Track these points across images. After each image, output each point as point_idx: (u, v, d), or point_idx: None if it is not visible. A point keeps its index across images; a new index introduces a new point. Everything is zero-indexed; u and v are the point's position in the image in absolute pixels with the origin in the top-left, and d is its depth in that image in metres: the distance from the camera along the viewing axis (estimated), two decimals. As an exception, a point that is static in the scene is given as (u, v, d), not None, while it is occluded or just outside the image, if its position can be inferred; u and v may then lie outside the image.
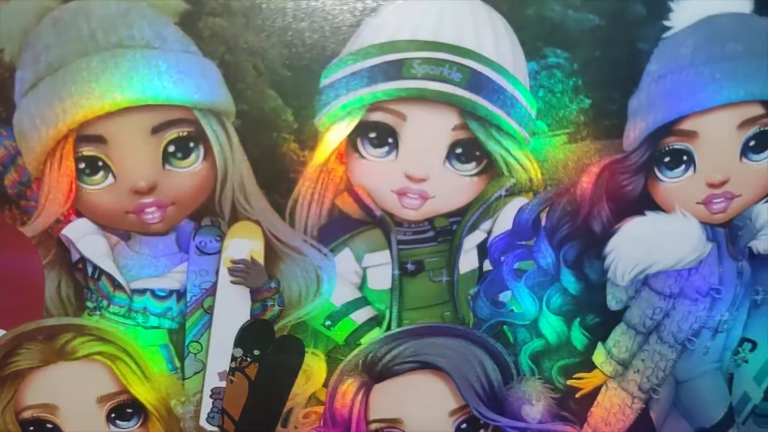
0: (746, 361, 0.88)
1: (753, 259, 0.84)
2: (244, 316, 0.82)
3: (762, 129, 0.80)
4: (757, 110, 0.79)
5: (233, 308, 0.82)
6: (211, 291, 0.82)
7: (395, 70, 0.76)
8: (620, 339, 0.85)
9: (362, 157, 0.80)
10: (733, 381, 0.89)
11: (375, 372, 0.83)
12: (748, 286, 0.85)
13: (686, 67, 0.77)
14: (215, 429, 0.84)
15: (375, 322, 0.84)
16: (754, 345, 0.88)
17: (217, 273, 0.82)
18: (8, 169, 0.79)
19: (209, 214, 0.81)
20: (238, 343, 0.82)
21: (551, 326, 0.84)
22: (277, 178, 0.80)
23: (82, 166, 0.78)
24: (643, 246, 0.82)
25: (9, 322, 0.80)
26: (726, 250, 0.84)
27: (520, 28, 0.76)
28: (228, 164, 0.79)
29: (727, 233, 0.84)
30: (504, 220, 0.83)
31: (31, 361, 0.81)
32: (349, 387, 0.83)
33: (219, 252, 0.81)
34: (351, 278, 0.84)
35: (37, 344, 0.81)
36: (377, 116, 0.79)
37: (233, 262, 0.81)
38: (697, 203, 0.81)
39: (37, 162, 0.78)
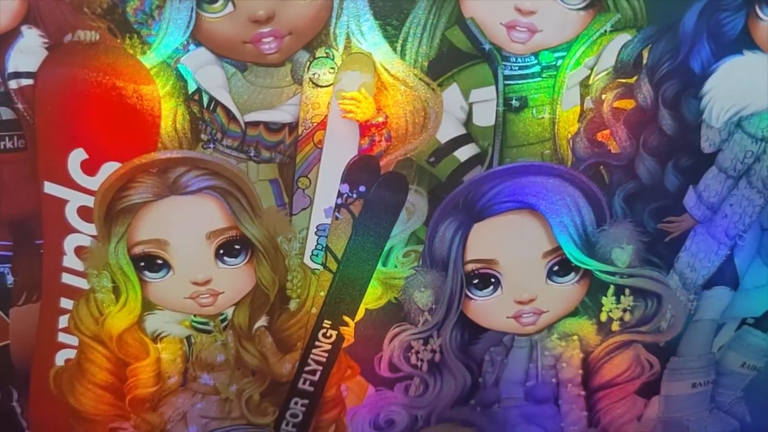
0: (828, 208, 0.91)
1: (841, 105, 0.87)
2: (352, 151, 0.83)
3: None
4: None
5: (342, 143, 0.83)
6: (321, 125, 0.83)
7: None
8: (711, 183, 0.86)
9: (474, -12, 0.82)
10: (816, 228, 0.92)
11: (475, 211, 0.83)
12: (835, 133, 0.87)
13: None
14: (318, 267, 0.85)
15: (477, 159, 0.86)
16: (838, 192, 0.91)
17: (328, 106, 0.83)
18: (132, -3, 0.80)
19: (323, 46, 0.82)
20: (345, 178, 0.82)
21: (646, 167, 0.86)
22: (390, 9, 0.81)
23: (202, -7, 0.79)
24: (739, 87, 0.83)
25: (124, 154, 0.81)
26: (818, 94, 0.86)
27: None
28: (344, -7, 0.80)
29: (822, 77, 0.86)
30: (608, 57, 0.84)
31: (143, 195, 0.81)
32: (449, 226, 0.85)
33: (331, 85, 0.82)
34: (457, 114, 0.85)
35: (151, 178, 0.81)
36: (488, -55, 0.81)
37: (344, 95, 0.82)
38: (796, 40, 0.83)
39: (159, -11, 0.79)
